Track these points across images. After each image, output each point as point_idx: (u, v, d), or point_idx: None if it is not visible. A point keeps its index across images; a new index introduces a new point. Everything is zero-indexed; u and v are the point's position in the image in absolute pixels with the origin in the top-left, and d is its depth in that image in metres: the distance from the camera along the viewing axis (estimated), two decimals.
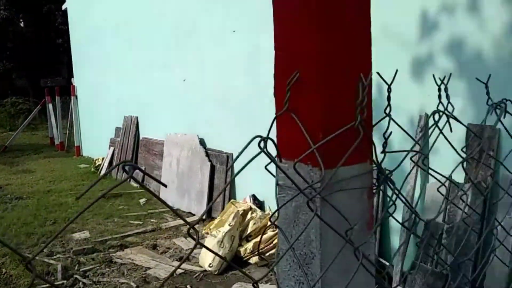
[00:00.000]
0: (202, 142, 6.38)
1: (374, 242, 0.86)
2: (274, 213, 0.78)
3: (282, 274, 0.85)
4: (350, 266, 0.76)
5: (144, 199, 6.91)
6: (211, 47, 6.47)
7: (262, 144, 0.66)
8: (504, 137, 3.51)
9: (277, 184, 0.82)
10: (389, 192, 0.88)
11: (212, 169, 5.99)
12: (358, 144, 0.72)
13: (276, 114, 0.76)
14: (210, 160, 6.05)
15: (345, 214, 0.76)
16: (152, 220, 6.08)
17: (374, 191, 0.80)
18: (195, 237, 0.59)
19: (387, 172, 0.78)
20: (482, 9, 3.64)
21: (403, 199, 0.84)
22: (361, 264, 0.74)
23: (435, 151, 3.49)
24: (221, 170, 5.86)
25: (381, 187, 0.84)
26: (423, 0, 3.99)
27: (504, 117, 0.95)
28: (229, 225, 4.80)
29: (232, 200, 5.66)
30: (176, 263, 4.74)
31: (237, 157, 0.70)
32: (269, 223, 4.89)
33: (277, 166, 0.74)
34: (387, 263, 4.25)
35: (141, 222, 6.01)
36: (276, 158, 0.83)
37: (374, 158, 0.78)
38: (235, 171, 5.86)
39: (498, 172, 3.61)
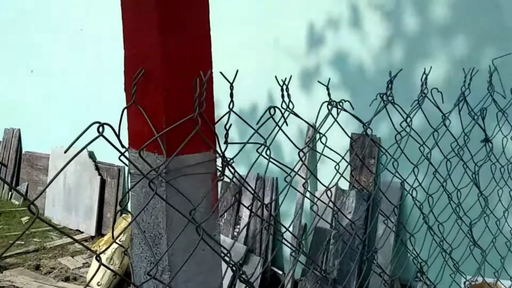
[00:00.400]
0: (91, 155, 6.25)
1: (220, 223, 0.98)
2: (123, 198, 0.88)
3: (135, 257, 0.95)
4: (195, 244, 0.88)
5: (26, 218, 6.59)
6: (102, 53, 6.38)
7: (100, 130, 0.75)
8: (384, 143, 3.88)
9: (129, 172, 0.92)
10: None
11: (103, 183, 5.89)
12: (200, 135, 0.85)
13: (126, 107, 0.87)
14: (100, 174, 5.94)
15: (190, 197, 0.88)
16: (35, 240, 5.83)
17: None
18: (34, 211, 0.66)
19: (228, 159, 0.91)
20: (363, 25, 4.02)
21: (246, 185, 0.97)
22: (202, 239, 0.86)
23: (322, 160, 3.77)
24: (112, 184, 5.78)
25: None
26: (311, 15, 4.30)
27: (338, 115, 1.14)
28: (119, 241, 4.76)
29: (123, 215, 5.59)
30: (62, 284, 4.60)
31: (71, 145, 0.78)
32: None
33: (121, 153, 0.83)
34: (280, 272, 4.46)
35: (22, 242, 5.74)
36: (129, 148, 0.93)
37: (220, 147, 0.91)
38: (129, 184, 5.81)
39: (379, 178, 3.97)
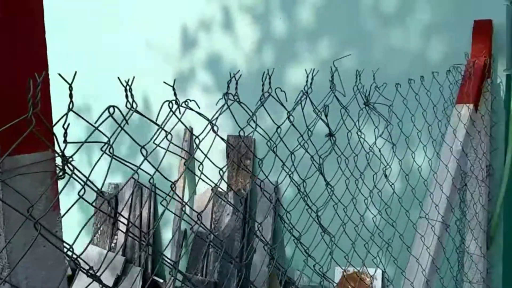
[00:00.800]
0: None
1: (61, 220, 1.05)
2: None
3: None
4: (36, 241, 0.94)
5: None
6: None
7: None
8: (258, 145, 4.10)
9: None
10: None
11: None
12: (36, 135, 0.91)
13: None
14: None
15: (27, 195, 0.95)
16: None
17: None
18: None
19: (68, 158, 0.98)
20: (235, 27, 4.21)
21: (92, 186, 1.05)
22: (41, 236, 0.93)
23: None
24: None
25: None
26: (184, 18, 4.42)
27: (182, 115, 1.26)
28: None
29: None
30: None
31: None
32: None
33: None
34: (161, 280, 4.50)
35: None
36: None
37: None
38: None
39: (255, 178, 4.18)
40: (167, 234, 4.62)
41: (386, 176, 2.15)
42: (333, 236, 1.79)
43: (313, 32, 3.87)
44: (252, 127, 1.51)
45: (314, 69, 1.70)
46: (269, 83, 1.53)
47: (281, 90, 1.57)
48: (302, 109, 1.62)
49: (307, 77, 1.68)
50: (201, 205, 4.32)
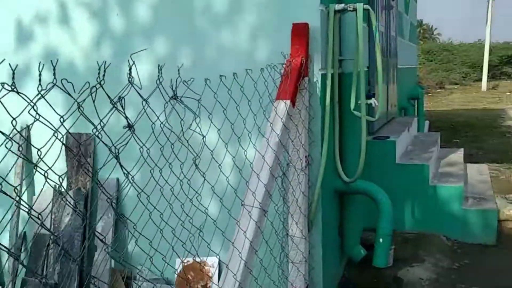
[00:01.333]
0: None
1: None
2: None
3: None
4: None
5: None
6: None
7: None
8: (100, 143, 4.02)
9: None
10: None
11: None
12: None
13: None
14: None
15: None
16: None
17: None
18: None
19: None
20: (72, 22, 4.09)
21: None
22: None
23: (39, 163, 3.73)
24: None
25: None
26: (17, 11, 4.19)
27: None
28: None
29: None
30: None
31: None
32: None
33: None
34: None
35: None
36: None
37: None
38: None
39: (96, 176, 4.09)
40: (3, 238, 4.36)
41: (196, 165, 2.23)
42: (134, 224, 1.83)
43: (150, 29, 3.87)
44: (35, 119, 1.50)
45: (105, 61, 1.72)
46: (54, 74, 1.53)
47: (68, 81, 1.58)
48: (93, 101, 1.64)
49: (99, 68, 1.71)
50: (41, 206, 4.12)
